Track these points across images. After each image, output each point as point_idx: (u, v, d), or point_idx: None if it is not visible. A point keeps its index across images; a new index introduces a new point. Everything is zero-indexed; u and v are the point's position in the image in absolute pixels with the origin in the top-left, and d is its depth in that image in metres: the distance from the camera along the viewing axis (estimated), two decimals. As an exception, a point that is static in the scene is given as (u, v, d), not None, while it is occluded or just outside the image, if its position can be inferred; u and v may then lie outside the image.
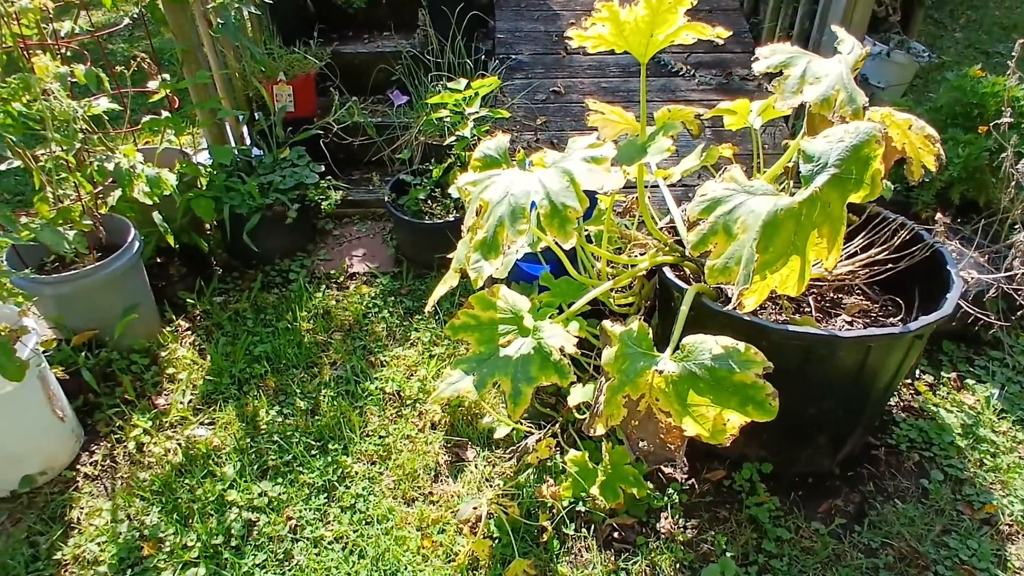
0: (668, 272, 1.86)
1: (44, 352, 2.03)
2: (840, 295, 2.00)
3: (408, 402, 2.25)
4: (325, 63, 3.27)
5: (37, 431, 1.97)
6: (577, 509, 1.89)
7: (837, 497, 1.94)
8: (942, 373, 2.31)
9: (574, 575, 1.76)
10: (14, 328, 1.84)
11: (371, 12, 3.68)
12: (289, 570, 1.79)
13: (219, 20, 2.57)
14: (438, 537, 1.85)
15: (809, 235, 1.33)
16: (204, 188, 2.67)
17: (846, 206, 1.38)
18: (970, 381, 2.28)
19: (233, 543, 1.85)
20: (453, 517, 1.89)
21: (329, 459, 2.05)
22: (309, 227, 3.00)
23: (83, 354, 2.23)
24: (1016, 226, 2.20)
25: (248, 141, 3.11)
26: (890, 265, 1.91)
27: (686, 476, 1.99)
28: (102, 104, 2.29)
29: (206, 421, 2.20)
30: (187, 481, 2.01)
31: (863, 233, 1.99)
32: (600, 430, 1.56)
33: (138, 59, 2.45)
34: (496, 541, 1.83)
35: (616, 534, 1.85)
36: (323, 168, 2.94)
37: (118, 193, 2.28)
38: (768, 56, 1.58)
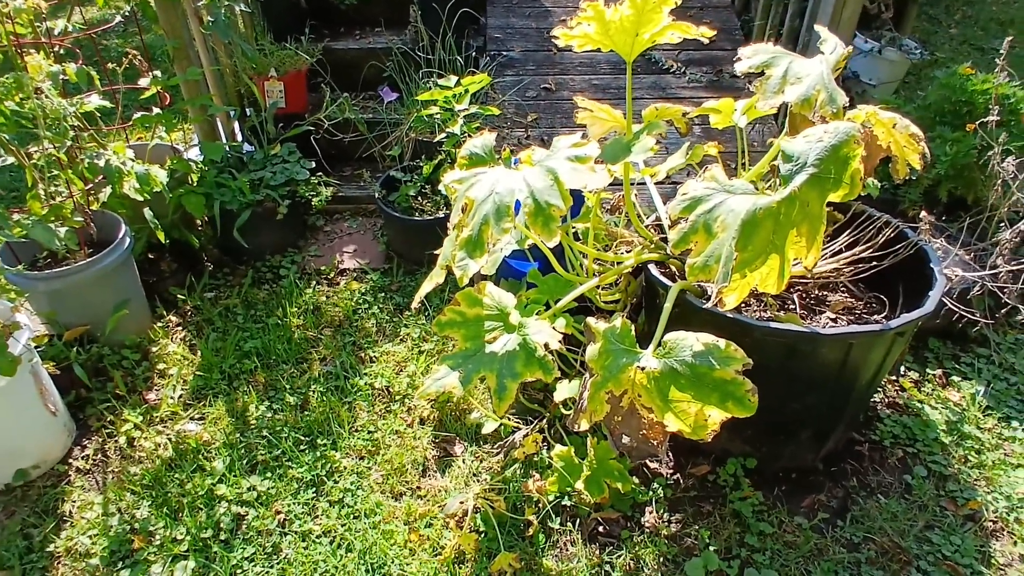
0: (653, 269, 1.87)
1: (36, 347, 2.04)
2: (825, 292, 2.02)
3: (397, 398, 2.26)
4: (316, 59, 3.28)
5: (30, 426, 1.99)
6: (563, 504, 1.91)
7: (820, 492, 1.96)
8: (928, 370, 2.33)
9: (559, 568, 1.78)
10: (7, 324, 1.85)
11: (363, 8, 3.69)
12: (277, 563, 1.81)
13: (209, 18, 2.58)
14: (425, 531, 1.87)
15: (788, 234, 1.34)
16: (195, 184, 2.68)
17: (826, 205, 1.39)
18: (956, 378, 2.30)
19: (222, 536, 1.87)
20: (440, 511, 1.91)
21: (318, 454, 2.07)
22: (300, 223, 3.01)
23: (75, 349, 2.25)
24: (1002, 224, 2.22)
25: (239, 137, 3.12)
26: (875, 263, 1.93)
27: (671, 471, 2.02)
28: (94, 101, 2.30)
29: (196, 416, 2.22)
30: (177, 475, 2.02)
31: (848, 231, 2.01)
32: (584, 426, 1.58)
33: (130, 56, 2.46)
34: (482, 535, 1.85)
35: (601, 528, 1.87)
36: (314, 164, 2.95)
37: (109, 190, 2.29)
38: (750, 56, 1.59)
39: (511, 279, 2.33)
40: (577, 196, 2.36)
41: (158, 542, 1.85)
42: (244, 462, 2.06)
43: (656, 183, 2.22)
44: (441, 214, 2.73)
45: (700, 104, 2.07)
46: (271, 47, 3.17)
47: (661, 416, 1.46)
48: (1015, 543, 1.83)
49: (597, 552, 1.81)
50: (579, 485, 1.87)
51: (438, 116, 2.83)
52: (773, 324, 1.64)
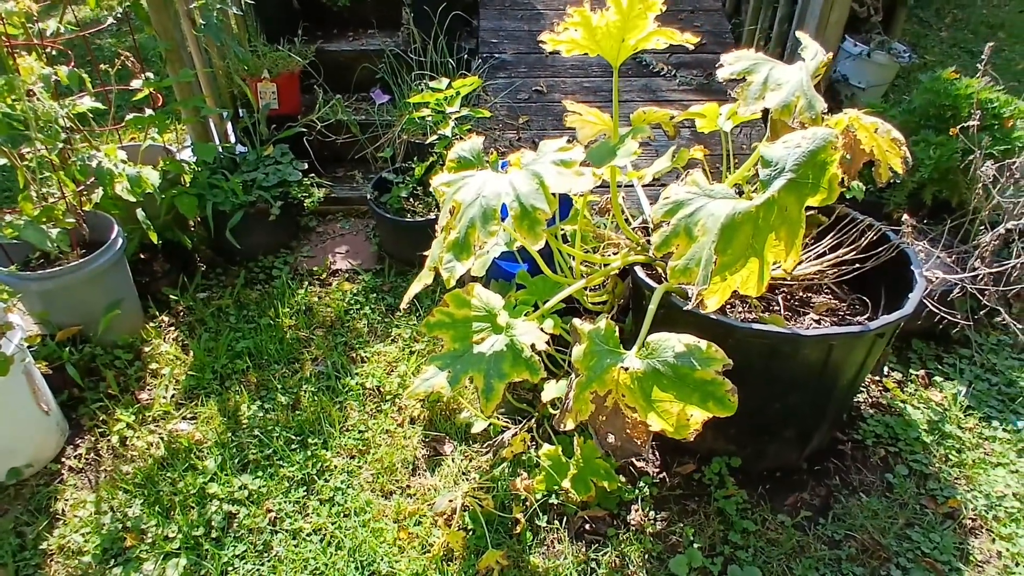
0: (640, 271, 1.90)
1: (29, 347, 2.06)
2: (810, 294, 2.05)
3: (388, 397, 2.29)
4: (309, 61, 3.30)
5: (23, 425, 2.01)
6: (550, 502, 1.94)
7: (803, 491, 1.99)
8: (911, 370, 2.36)
9: (546, 565, 1.80)
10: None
11: (356, 10, 3.71)
12: (268, 561, 1.83)
13: (202, 20, 2.60)
14: (414, 529, 1.90)
15: (767, 238, 1.37)
16: (188, 185, 2.70)
17: (805, 209, 1.42)
18: (938, 378, 2.33)
19: (214, 535, 1.89)
20: (429, 510, 1.94)
21: (309, 453, 2.10)
22: (292, 224, 3.03)
23: (67, 349, 2.26)
24: (983, 227, 2.25)
25: (232, 138, 3.14)
26: (858, 265, 1.96)
27: (658, 470, 2.05)
28: (86, 103, 2.32)
29: (188, 416, 2.24)
30: (169, 474, 2.04)
31: (832, 234, 2.04)
32: (570, 425, 1.60)
33: (122, 57, 2.48)
34: (470, 533, 1.87)
35: (588, 526, 1.90)
36: (306, 166, 2.98)
37: (101, 191, 2.31)
38: (732, 63, 1.62)
39: (501, 280, 2.36)
40: (566, 199, 2.39)
41: (150, 540, 1.87)
42: (236, 461, 2.08)
43: (644, 186, 2.25)
44: (432, 215, 2.76)
45: (690, 107, 2.10)
46: (264, 49, 3.19)
47: (644, 416, 1.49)
48: (993, 540, 1.86)
49: (583, 549, 1.84)
50: (566, 484, 1.90)
51: (430, 118, 2.85)
52: (755, 325, 1.67)
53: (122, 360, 2.38)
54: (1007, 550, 1.84)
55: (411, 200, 2.86)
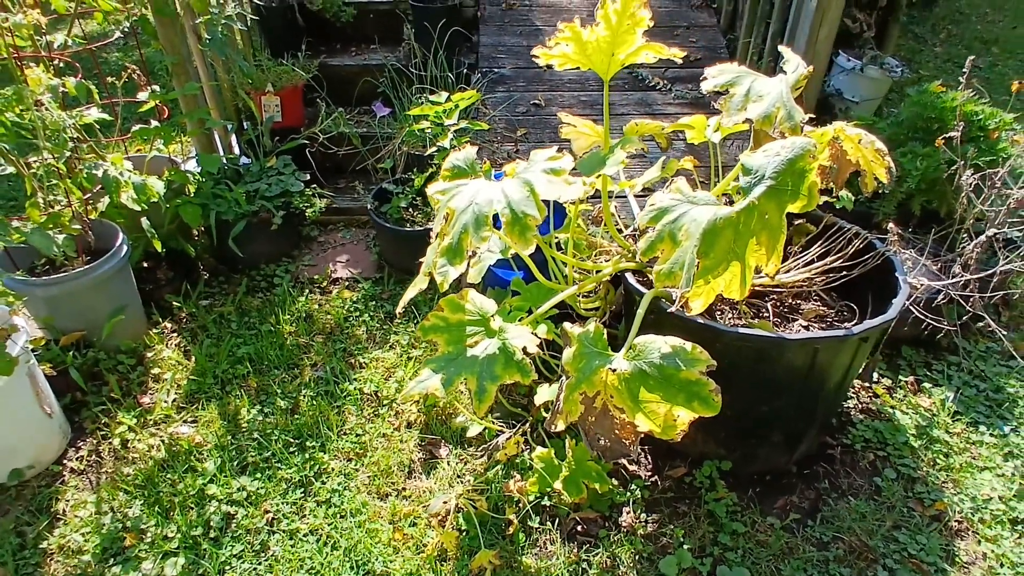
0: (631, 278, 1.95)
1: (33, 350, 2.11)
2: (799, 301, 2.10)
3: (385, 402, 2.33)
4: (312, 75, 3.37)
5: (25, 426, 2.05)
6: (543, 504, 1.97)
7: (793, 494, 2.02)
8: (900, 376, 2.40)
9: (538, 566, 1.84)
10: (4, 326, 1.92)
11: (358, 26, 3.79)
12: (265, 560, 1.87)
13: (207, 35, 2.67)
14: (409, 530, 1.93)
15: (748, 243, 1.42)
16: (192, 195, 2.76)
17: (798, 216, 1.47)
18: (927, 384, 2.37)
19: (212, 534, 1.93)
20: (424, 511, 1.98)
21: (307, 456, 2.14)
22: (294, 233, 3.08)
23: (71, 353, 2.31)
24: (964, 235, 2.30)
25: (236, 150, 3.21)
26: (845, 273, 2.01)
27: (649, 473, 2.08)
28: (93, 114, 2.38)
29: (189, 419, 2.29)
30: (169, 476, 2.08)
31: (820, 242, 2.09)
32: (560, 426, 1.64)
33: (129, 70, 2.55)
34: (464, 534, 1.91)
35: (579, 527, 1.93)
36: (308, 176, 3.04)
37: (107, 199, 2.37)
38: (715, 76, 1.67)
39: (497, 287, 2.41)
40: (560, 209, 2.44)
41: (149, 539, 1.91)
42: (235, 463, 2.12)
43: (636, 195, 2.30)
44: (432, 225, 2.81)
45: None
46: (268, 63, 3.27)
47: (632, 416, 1.53)
48: (979, 542, 1.89)
49: (575, 550, 1.87)
50: (558, 485, 1.93)
51: (429, 131, 2.92)
52: (741, 330, 1.71)
53: (125, 365, 2.43)
54: (992, 551, 1.87)
55: (410, 210, 2.91)
